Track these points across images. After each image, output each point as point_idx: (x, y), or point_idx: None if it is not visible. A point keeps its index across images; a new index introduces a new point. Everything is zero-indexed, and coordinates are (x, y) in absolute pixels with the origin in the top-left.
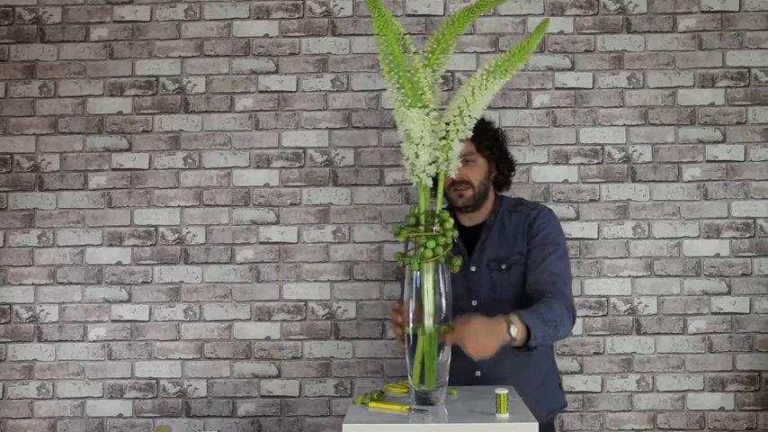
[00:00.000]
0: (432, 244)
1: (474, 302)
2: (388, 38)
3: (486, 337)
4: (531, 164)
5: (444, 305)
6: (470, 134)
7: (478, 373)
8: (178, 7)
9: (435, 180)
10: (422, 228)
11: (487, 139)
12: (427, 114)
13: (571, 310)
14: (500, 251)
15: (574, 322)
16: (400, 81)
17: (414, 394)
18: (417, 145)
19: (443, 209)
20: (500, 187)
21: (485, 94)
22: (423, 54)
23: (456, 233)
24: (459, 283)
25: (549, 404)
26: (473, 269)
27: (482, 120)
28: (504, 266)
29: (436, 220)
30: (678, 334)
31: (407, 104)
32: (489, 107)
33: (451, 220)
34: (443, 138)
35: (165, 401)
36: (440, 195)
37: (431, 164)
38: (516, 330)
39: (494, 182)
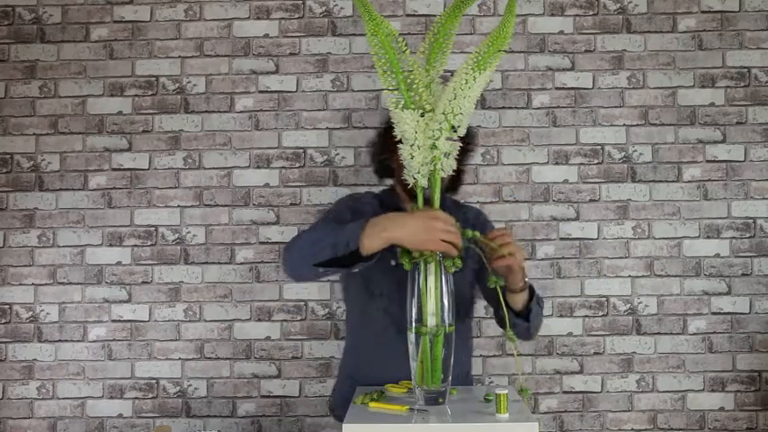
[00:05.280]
0: None
1: None
2: (381, 39)
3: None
4: (531, 164)
5: (446, 304)
6: (462, 133)
7: None
8: (178, 7)
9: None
10: None
11: None
12: (421, 115)
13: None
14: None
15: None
16: (395, 82)
17: (420, 394)
18: (412, 146)
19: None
20: (453, 188)
21: (472, 91)
22: (419, 54)
23: (477, 233)
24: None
25: None
26: None
27: None
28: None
29: None
30: (678, 334)
31: (401, 106)
32: (489, 107)
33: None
34: (435, 138)
35: (165, 401)
36: (435, 196)
37: (425, 164)
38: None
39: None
